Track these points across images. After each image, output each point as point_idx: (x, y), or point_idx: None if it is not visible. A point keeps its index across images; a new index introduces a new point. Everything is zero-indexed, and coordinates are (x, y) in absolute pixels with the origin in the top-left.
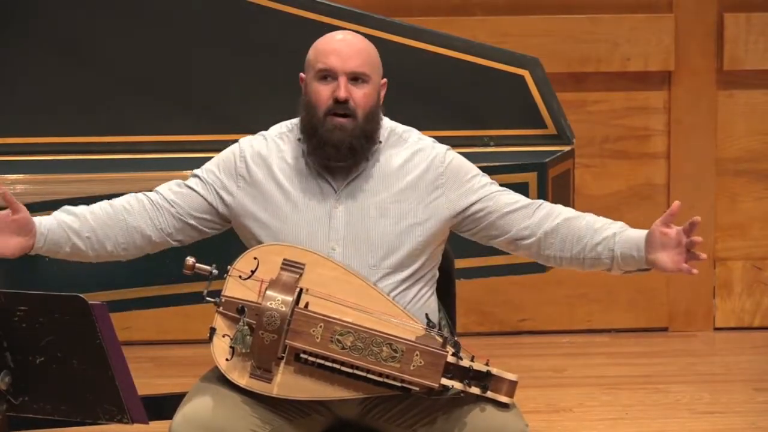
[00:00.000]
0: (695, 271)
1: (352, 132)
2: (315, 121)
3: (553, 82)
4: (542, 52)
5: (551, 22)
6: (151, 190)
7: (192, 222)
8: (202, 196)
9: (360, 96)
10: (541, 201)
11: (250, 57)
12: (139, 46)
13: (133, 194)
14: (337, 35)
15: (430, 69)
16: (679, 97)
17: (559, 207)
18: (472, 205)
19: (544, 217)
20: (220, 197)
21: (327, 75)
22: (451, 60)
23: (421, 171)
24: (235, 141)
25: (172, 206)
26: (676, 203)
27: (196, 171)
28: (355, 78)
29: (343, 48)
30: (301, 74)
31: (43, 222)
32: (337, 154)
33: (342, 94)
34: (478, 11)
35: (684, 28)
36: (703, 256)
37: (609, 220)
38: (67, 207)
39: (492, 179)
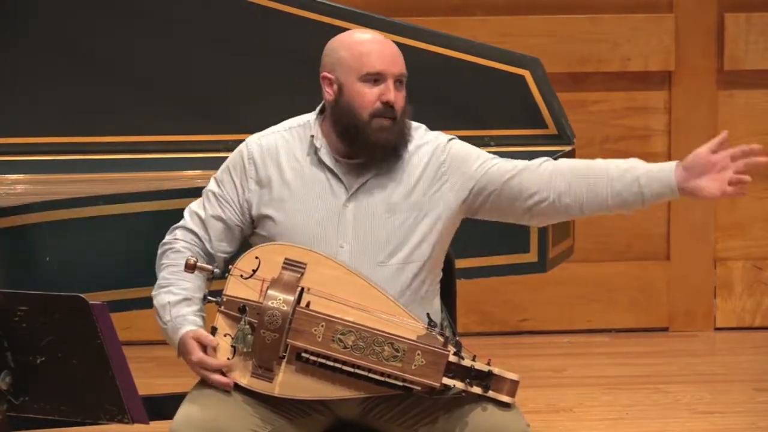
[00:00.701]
0: (744, 192)
1: (394, 131)
2: (358, 122)
3: (554, 82)
4: (542, 52)
5: (551, 22)
6: (182, 227)
7: (230, 248)
8: (228, 223)
9: (401, 98)
10: (543, 158)
11: (252, 57)
12: (141, 46)
13: (182, 238)
14: (367, 35)
15: (431, 69)
16: (679, 97)
17: (563, 161)
18: (473, 187)
19: (551, 175)
20: (242, 209)
21: (376, 78)
22: (451, 60)
23: (425, 163)
24: (238, 141)
25: (212, 248)
26: (724, 133)
27: (213, 188)
28: (400, 81)
29: (387, 51)
30: (325, 73)
31: (197, 325)
32: (383, 153)
33: (393, 97)
34: (478, 11)
35: (684, 28)
36: (747, 178)
37: (619, 163)
38: (187, 299)
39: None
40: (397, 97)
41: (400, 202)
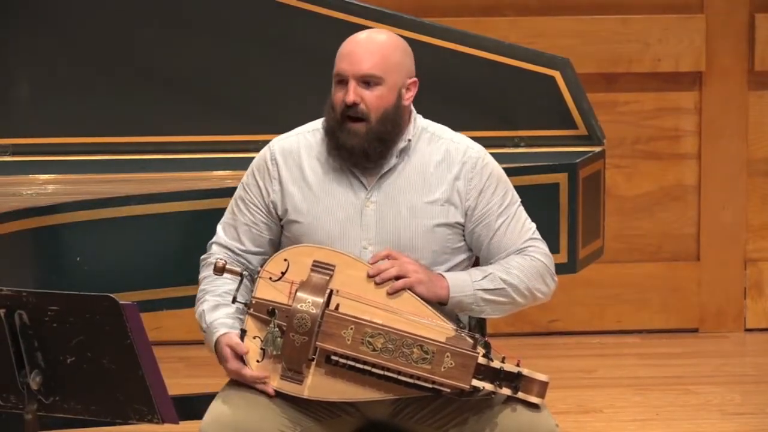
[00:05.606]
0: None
1: (366, 136)
2: (333, 123)
3: (584, 82)
4: (573, 52)
5: (582, 23)
6: (216, 242)
7: (266, 249)
8: (260, 227)
9: (372, 98)
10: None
11: (282, 58)
12: (171, 47)
13: (217, 252)
14: (360, 35)
15: (461, 70)
16: (710, 97)
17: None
18: (478, 225)
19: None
20: (269, 210)
21: (341, 79)
22: (481, 60)
23: (454, 174)
24: (268, 141)
25: (248, 255)
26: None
27: (241, 194)
28: (366, 81)
29: (357, 51)
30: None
31: (229, 327)
32: (351, 157)
33: (350, 98)
34: (509, 12)
35: (715, 29)
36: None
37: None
38: (219, 305)
39: (519, 191)
40: (365, 96)
41: (422, 206)
